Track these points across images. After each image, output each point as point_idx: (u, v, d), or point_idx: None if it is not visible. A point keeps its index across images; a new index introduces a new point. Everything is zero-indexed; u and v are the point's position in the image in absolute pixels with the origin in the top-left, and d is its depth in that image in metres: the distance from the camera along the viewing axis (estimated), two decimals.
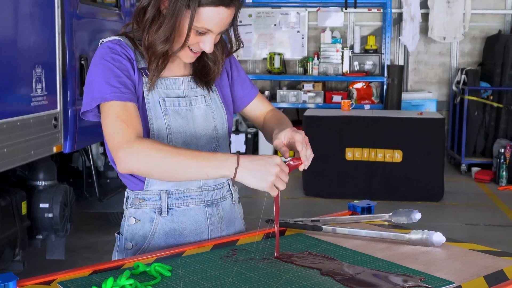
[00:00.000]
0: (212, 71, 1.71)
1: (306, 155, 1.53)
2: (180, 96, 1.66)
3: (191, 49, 1.61)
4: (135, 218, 1.66)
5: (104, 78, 1.54)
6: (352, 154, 6.15)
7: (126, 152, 1.47)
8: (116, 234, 1.72)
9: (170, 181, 1.50)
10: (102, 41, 1.63)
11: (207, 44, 1.59)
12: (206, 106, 1.69)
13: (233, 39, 1.69)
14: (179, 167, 1.45)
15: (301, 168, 1.53)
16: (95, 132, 4.28)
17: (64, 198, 3.88)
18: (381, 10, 8.31)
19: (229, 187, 1.74)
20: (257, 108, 1.84)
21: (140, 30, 1.63)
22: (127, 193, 1.69)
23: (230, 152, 1.74)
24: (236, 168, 1.42)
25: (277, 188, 1.44)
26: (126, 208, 1.69)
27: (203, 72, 1.71)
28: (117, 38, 1.63)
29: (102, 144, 4.83)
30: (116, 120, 1.51)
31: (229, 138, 1.76)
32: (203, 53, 1.69)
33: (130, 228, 1.67)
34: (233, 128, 7.98)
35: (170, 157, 1.45)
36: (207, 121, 1.68)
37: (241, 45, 1.71)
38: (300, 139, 1.54)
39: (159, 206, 1.64)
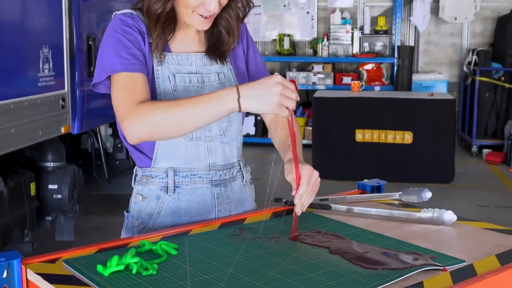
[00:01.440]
0: (226, 41, 1.67)
1: (301, 196, 1.46)
2: (192, 72, 1.64)
3: (200, 14, 1.58)
4: (141, 196, 1.65)
5: (114, 50, 1.54)
6: (362, 135, 6.12)
7: (129, 121, 1.46)
8: (124, 212, 1.72)
9: (182, 134, 1.47)
10: (115, 13, 1.62)
11: (212, 4, 1.56)
12: (219, 84, 1.67)
13: (241, 1, 1.66)
14: (183, 117, 1.43)
15: (296, 210, 1.48)
16: (104, 113, 4.27)
17: (72, 180, 3.89)
18: None
19: (240, 168, 1.73)
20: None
21: None
22: (136, 170, 1.68)
23: (241, 134, 1.73)
24: (238, 99, 1.40)
25: (287, 108, 1.39)
26: (134, 186, 1.68)
27: (217, 44, 1.68)
28: (129, 11, 1.63)
29: (111, 125, 4.83)
30: (122, 91, 1.50)
31: (242, 118, 1.74)
32: (216, 22, 1.66)
33: (136, 206, 1.67)
34: None
35: (171, 111, 1.43)
36: None
37: (251, 4, 1.68)
38: (305, 175, 1.48)
39: (165, 183, 1.63)
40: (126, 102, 1.47)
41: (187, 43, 1.67)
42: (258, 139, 7.92)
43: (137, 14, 1.62)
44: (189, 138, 1.62)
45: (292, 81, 1.42)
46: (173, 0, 1.57)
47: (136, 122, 1.44)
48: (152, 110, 1.44)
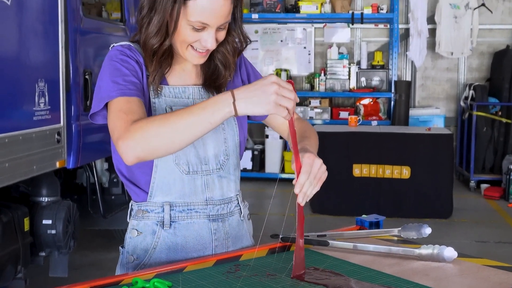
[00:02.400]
0: (222, 74, 1.67)
1: (301, 185, 1.43)
2: (188, 105, 1.61)
3: (196, 49, 1.58)
4: (137, 231, 1.64)
5: (111, 77, 1.54)
6: (359, 170, 6.11)
7: (124, 139, 1.42)
8: (120, 247, 1.70)
9: (181, 145, 1.43)
10: (113, 45, 1.63)
11: (208, 40, 1.56)
12: None
13: (238, 36, 1.66)
14: (179, 128, 1.39)
15: (298, 200, 1.44)
16: (100, 147, 4.26)
17: (67, 215, 3.85)
18: (388, 26, 8.31)
19: (238, 202, 1.71)
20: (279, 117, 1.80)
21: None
22: (131, 204, 1.67)
23: (239, 168, 1.72)
24: (234, 102, 1.37)
25: (286, 108, 1.36)
26: (129, 220, 1.67)
27: (213, 76, 1.68)
28: (127, 43, 1.63)
29: (107, 160, 4.81)
30: (118, 114, 1.47)
31: (240, 152, 1.73)
32: (213, 55, 1.67)
33: (132, 241, 1.65)
34: None
35: (166, 122, 1.40)
36: (216, 133, 1.65)
37: (248, 40, 1.68)
38: (306, 163, 1.45)
39: (161, 218, 1.62)
40: (121, 123, 1.45)
41: (184, 76, 1.67)
42: (256, 173, 7.90)
43: (135, 46, 1.63)
44: (186, 172, 1.61)
45: (290, 81, 1.39)
46: (171, 36, 1.57)
47: (131, 139, 1.40)
48: (147, 124, 1.41)
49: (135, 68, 1.58)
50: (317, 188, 1.45)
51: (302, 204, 1.43)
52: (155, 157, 1.47)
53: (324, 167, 1.47)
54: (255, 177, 7.86)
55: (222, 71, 1.68)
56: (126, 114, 1.46)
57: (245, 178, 7.60)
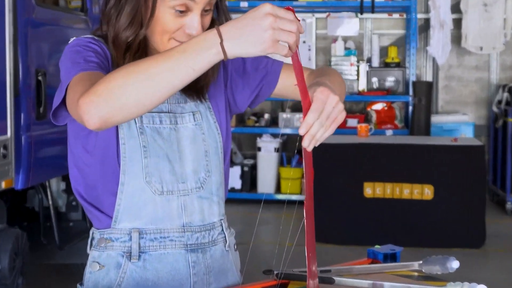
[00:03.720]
0: (204, 75, 1.67)
1: (308, 125, 1.37)
2: (163, 111, 1.66)
3: (179, 40, 1.59)
4: (98, 264, 1.64)
5: (71, 61, 1.54)
6: (372, 190, 6.11)
7: (85, 96, 1.38)
8: (78, 285, 1.70)
9: (156, 101, 1.38)
10: (73, 39, 1.64)
11: (193, 26, 1.57)
12: (195, 126, 1.68)
13: (224, 21, 1.67)
14: (153, 76, 1.35)
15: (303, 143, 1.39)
16: (55, 163, 4.25)
17: (14, 246, 3.83)
18: (404, 16, 8.35)
19: (222, 229, 1.72)
20: (288, 82, 1.77)
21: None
22: (92, 232, 1.67)
23: (225, 187, 1.74)
24: (221, 43, 1.33)
25: (287, 43, 1.34)
26: (90, 251, 1.67)
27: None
28: (90, 36, 1.65)
29: (64, 179, 4.80)
30: (77, 84, 1.45)
31: (224, 166, 1.74)
32: None
33: (92, 276, 1.65)
34: None
35: (136, 71, 1.37)
36: (196, 145, 1.67)
37: None
38: (317, 98, 1.39)
39: (128, 248, 1.62)
40: (82, 88, 1.42)
41: None
42: (245, 194, 7.90)
43: (100, 40, 1.65)
44: (159, 192, 1.62)
45: (289, 9, 1.36)
46: (146, 26, 1.59)
47: (93, 94, 1.37)
48: (113, 74, 1.39)
49: (99, 53, 1.59)
50: (330, 132, 1.40)
51: (309, 148, 1.39)
52: (125, 117, 1.41)
53: (341, 106, 1.41)
54: (244, 198, 7.84)
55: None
56: (89, 80, 1.44)
57: (232, 199, 7.59)
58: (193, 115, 1.69)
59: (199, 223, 1.66)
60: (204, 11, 1.59)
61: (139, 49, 1.62)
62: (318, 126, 1.37)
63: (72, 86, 1.47)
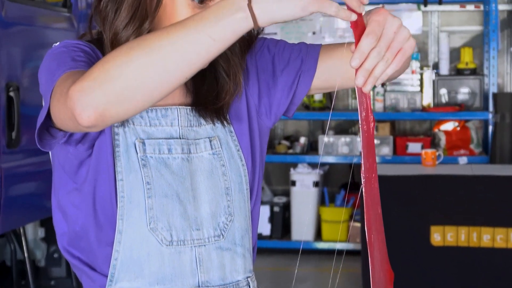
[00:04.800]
0: (226, 89, 1.70)
1: (362, 53, 1.35)
2: (173, 137, 1.67)
3: None
4: None
5: (56, 63, 1.56)
6: (441, 236, 6.06)
7: (77, 84, 1.39)
8: None
9: (169, 86, 1.39)
10: (55, 45, 1.67)
11: None
12: (212, 156, 1.70)
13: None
14: (161, 50, 1.36)
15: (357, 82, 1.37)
16: (32, 204, 4.26)
17: None
18: (482, 7, 8.31)
19: None
20: (332, 64, 1.76)
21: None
22: None
23: (252, 235, 1.75)
24: (249, 4, 1.33)
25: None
26: None
27: (211, 92, 1.72)
28: (76, 40, 1.67)
29: (44, 224, 4.81)
30: (66, 81, 1.47)
31: (252, 207, 1.76)
32: (213, 63, 1.68)
33: None
34: None
35: (140, 44, 1.38)
36: (214, 180, 1.69)
37: (260, 29, 1.71)
38: (373, 20, 1.38)
39: None
40: (71, 82, 1.43)
41: None
42: (276, 242, 7.86)
43: (87, 42, 1.68)
44: (167, 242, 1.63)
45: None
46: (152, 17, 1.61)
47: (86, 79, 1.38)
48: (112, 52, 1.40)
49: (93, 57, 1.61)
50: (394, 67, 1.37)
51: (366, 88, 1.37)
52: (127, 110, 1.41)
53: (406, 31, 1.39)
54: (275, 248, 7.82)
55: (225, 83, 1.72)
56: (78, 73, 1.46)
57: (260, 249, 7.57)
58: (210, 141, 1.70)
59: (219, 282, 1.67)
60: None
61: None
62: (376, 56, 1.35)
63: (57, 87, 1.49)
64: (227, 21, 1.34)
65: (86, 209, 1.64)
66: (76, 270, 1.70)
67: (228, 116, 1.74)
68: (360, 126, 1.39)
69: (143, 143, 1.63)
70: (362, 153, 1.40)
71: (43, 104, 1.56)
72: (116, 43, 1.62)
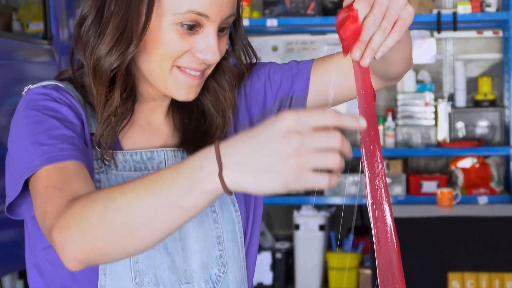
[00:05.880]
0: (215, 126, 1.73)
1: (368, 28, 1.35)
2: None
3: (185, 70, 1.63)
4: None
5: (29, 138, 1.57)
6: (460, 283, 6.04)
7: (58, 231, 1.41)
8: None
9: (141, 246, 1.40)
10: (29, 88, 1.69)
11: (209, 47, 1.60)
12: None
13: (238, 53, 1.74)
14: (134, 215, 1.35)
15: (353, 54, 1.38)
16: (10, 255, 4.26)
17: None
18: (500, 33, 8.34)
19: None
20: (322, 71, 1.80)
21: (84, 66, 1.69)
22: None
23: (246, 282, 1.77)
24: (221, 173, 1.30)
25: (330, 173, 1.29)
26: None
27: (198, 130, 1.74)
28: (53, 82, 1.69)
29: (22, 275, 4.80)
30: (46, 192, 1.49)
31: (248, 256, 1.77)
32: (200, 98, 1.72)
33: None
34: None
35: (113, 205, 1.37)
36: (204, 228, 1.70)
37: (254, 59, 1.77)
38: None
39: None
40: (53, 204, 1.45)
41: (148, 133, 1.75)
42: None
43: (66, 86, 1.69)
44: None
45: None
46: (137, 41, 1.62)
47: (66, 231, 1.40)
48: (85, 206, 1.40)
49: (66, 116, 1.62)
50: (394, 38, 1.37)
51: (364, 62, 1.38)
52: (106, 261, 1.46)
53: (404, 1, 1.37)
54: None
55: (214, 119, 1.75)
56: (59, 189, 1.47)
57: None
58: None
59: None
60: (220, 31, 1.64)
61: (128, 80, 1.65)
62: (371, 25, 1.36)
63: (39, 191, 1.50)
64: (197, 192, 1.32)
65: (64, 268, 1.58)
66: None
67: None
68: (358, 102, 1.44)
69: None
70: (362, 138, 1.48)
71: (9, 175, 1.59)
72: (98, 70, 1.63)
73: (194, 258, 1.67)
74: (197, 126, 1.75)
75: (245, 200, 1.77)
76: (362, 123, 1.33)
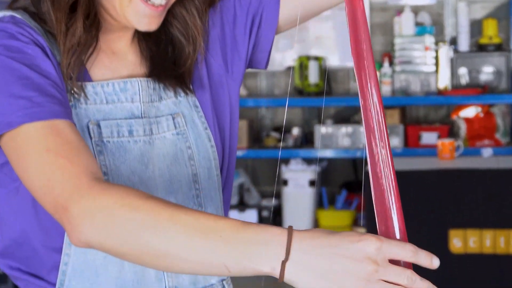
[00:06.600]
0: (185, 55, 1.73)
1: None
2: (133, 116, 1.69)
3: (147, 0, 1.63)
4: None
5: (3, 88, 1.55)
6: (462, 241, 6.07)
7: (79, 212, 1.42)
8: None
9: (158, 268, 1.50)
10: None
11: None
12: (176, 137, 1.72)
13: None
14: (173, 249, 1.38)
15: None
16: None
17: None
18: None
19: None
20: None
21: None
22: None
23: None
24: (284, 262, 1.34)
25: None
26: None
27: (167, 59, 1.75)
28: (8, 13, 1.66)
29: None
30: (49, 158, 1.48)
31: (224, 195, 1.79)
32: (165, 22, 1.72)
33: None
34: (236, 197, 7.94)
35: (156, 226, 1.39)
36: (179, 166, 1.71)
37: None
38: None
39: None
40: (65, 177, 1.46)
41: (116, 63, 1.74)
42: None
43: (22, 16, 1.66)
44: None
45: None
46: None
47: (89, 217, 1.42)
48: (122, 210, 1.41)
49: (35, 57, 1.60)
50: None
51: None
52: (117, 257, 1.50)
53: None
54: None
55: (183, 48, 1.76)
56: (69, 161, 1.48)
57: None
58: (173, 119, 1.73)
59: (190, 287, 1.69)
60: None
61: (90, 7, 1.64)
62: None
63: (32, 152, 1.50)
64: (250, 267, 1.36)
65: (26, 212, 1.65)
66: (18, 283, 1.70)
67: (192, 87, 1.77)
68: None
69: (98, 126, 1.65)
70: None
71: None
72: (57, 1, 1.63)
73: (169, 198, 1.68)
74: (166, 55, 1.77)
75: (220, 133, 1.79)
76: (435, 263, 1.37)
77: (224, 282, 1.75)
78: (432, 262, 1.36)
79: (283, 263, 1.33)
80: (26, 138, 1.51)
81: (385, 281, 1.32)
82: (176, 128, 1.71)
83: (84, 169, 1.46)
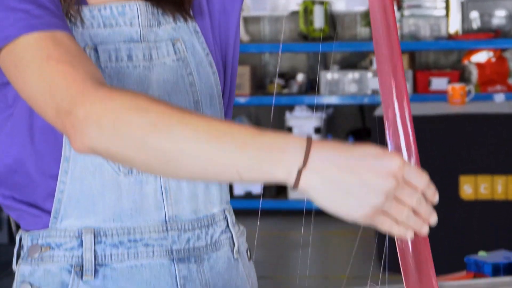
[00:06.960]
0: None
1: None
2: (132, 40, 1.69)
3: None
4: (31, 285, 1.65)
5: None
6: (472, 188, 6.09)
7: (85, 115, 1.40)
8: None
9: (166, 174, 1.50)
10: None
11: None
12: (177, 63, 1.71)
13: None
14: (183, 151, 1.37)
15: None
16: None
17: None
18: None
19: (228, 225, 1.76)
20: None
21: None
22: (20, 238, 1.69)
23: None
24: (301, 170, 1.32)
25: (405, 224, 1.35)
26: (16, 268, 1.68)
27: None
28: None
29: None
30: (48, 64, 1.48)
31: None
32: None
33: None
34: None
35: (166, 129, 1.38)
36: (180, 93, 1.70)
37: None
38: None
39: (78, 259, 1.64)
40: (67, 80, 1.45)
41: None
42: (270, 202, 7.93)
43: None
44: (125, 171, 1.64)
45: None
46: None
47: (95, 120, 1.40)
48: (131, 111, 1.40)
49: None
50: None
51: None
52: (119, 162, 1.53)
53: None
54: (268, 208, 7.86)
55: None
56: (71, 65, 1.47)
57: (250, 211, 7.58)
58: (173, 44, 1.72)
59: (191, 216, 1.69)
60: None
61: None
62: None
63: (33, 60, 1.49)
64: (264, 172, 1.34)
65: (20, 136, 1.65)
66: (11, 212, 1.70)
67: (192, 13, 1.76)
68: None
69: (95, 50, 1.64)
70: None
71: None
72: None
73: None
74: None
75: (222, 59, 1.79)
76: (436, 199, 1.39)
77: (226, 212, 1.75)
78: (434, 198, 1.37)
79: (300, 171, 1.31)
80: (25, 48, 1.51)
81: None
82: (176, 54, 1.70)
83: (89, 74, 1.45)
